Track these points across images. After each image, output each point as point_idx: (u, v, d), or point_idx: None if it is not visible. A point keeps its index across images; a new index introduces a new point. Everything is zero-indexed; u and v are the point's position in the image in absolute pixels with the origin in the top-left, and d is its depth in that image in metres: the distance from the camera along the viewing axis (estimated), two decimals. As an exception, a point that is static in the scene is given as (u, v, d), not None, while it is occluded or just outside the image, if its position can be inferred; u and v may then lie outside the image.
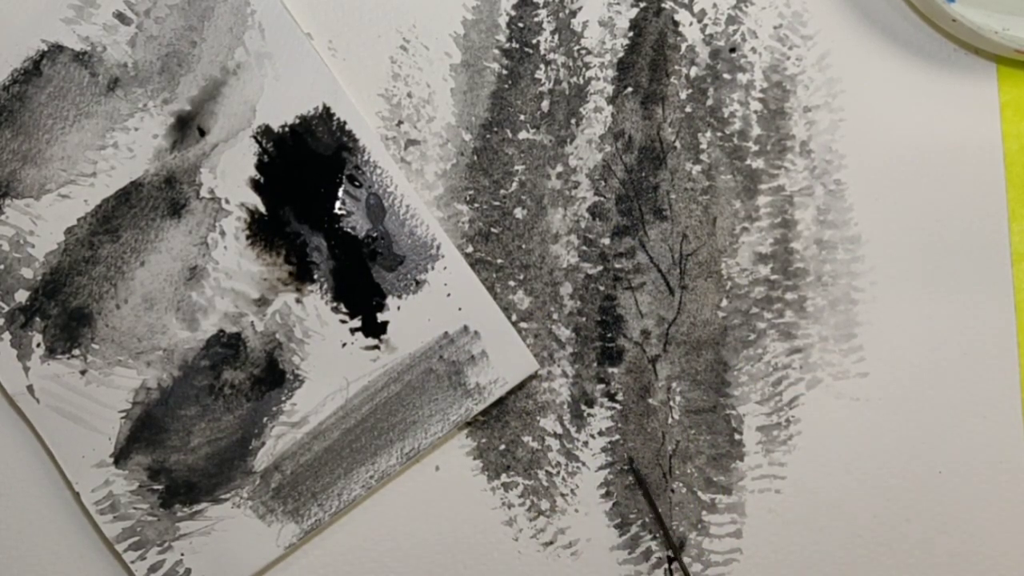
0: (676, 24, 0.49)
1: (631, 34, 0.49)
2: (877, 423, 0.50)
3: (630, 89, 0.49)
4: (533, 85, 0.49)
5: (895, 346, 0.50)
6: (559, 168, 0.49)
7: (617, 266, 0.50)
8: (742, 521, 0.50)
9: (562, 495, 0.50)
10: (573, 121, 0.49)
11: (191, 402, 0.48)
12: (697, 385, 0.50)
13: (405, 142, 0.49)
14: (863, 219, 0.50)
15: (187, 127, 0.48)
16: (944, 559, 0.50)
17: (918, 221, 0.50)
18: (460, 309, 0.48)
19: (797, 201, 0.50)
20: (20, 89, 0.47)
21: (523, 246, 0.49)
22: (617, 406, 0.50)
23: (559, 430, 0.50)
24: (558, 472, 0.50)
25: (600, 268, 0.50)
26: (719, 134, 0.50)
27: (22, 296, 0.48)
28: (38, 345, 0.48)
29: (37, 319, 0.48)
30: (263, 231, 0.48)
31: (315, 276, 0.48)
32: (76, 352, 0.48)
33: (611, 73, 0.49)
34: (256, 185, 0.48)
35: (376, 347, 0.48)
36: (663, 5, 0.49)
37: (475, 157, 0.49)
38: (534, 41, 0.49)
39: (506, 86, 0.49)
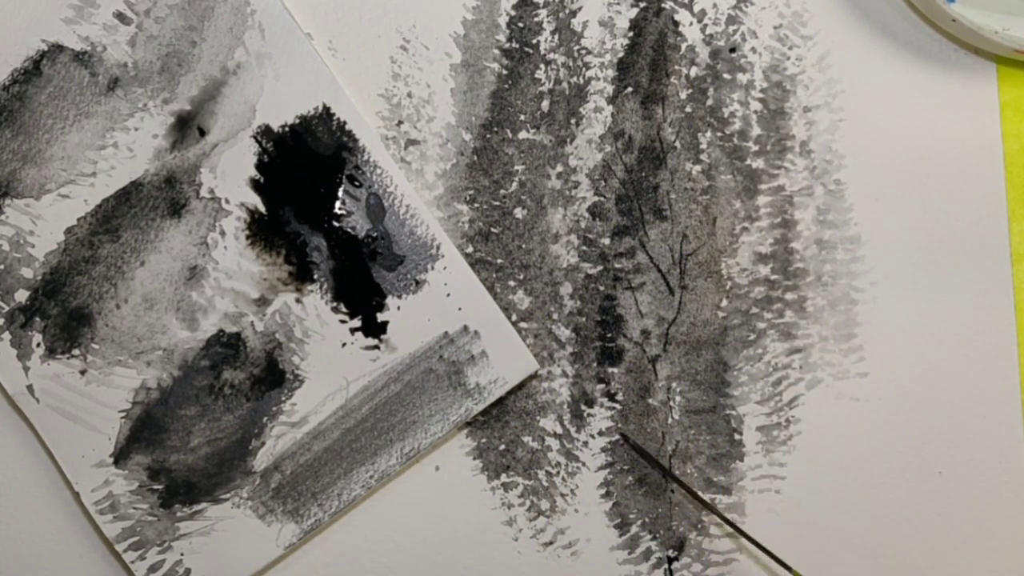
0: (676, 24, 0.49)
1: (631, 34, 0.49)
2: (877, 423, 0.50)
3: (630, 89, 0.49)
4: (533, 85, 0.49)
5: (895, 346, 0.50)
6: (559, 168, 0.49)
7: (617, 266, 0.50)
8: (742, 521, 0.50)
9: (562, 495, 0.50)
10: (573, 121, 0.49)
11: (191, 402, 0.48)
12: (697, 385, 0.50)
13: (405, 142, 0.49)
14: (863, 219, 0.50)
15: (187, 127, 0.48)
16: (944, 559, 0.50)
17: (918, 221, 0.50)
18: (460, 309, 0.48)
19: (797, 201, 0.50)
20: (20, 89, 0.47)
21: (523, 246, 0.49)
22: (617, 406, 0.50)
23: (559, 430, 0.50)
24: (558, 472, 0.50)
25: (600, 268, 0.50)
26: (719, 134, 0.50)
27: (22, 296, 0.48)
28: (38, 345, 0.48)
29: (37, 319, 0.48)
30: (263, 231, 0.48)
31: (315, 276, 0.48)
32: (76, 352, 0.48)
33: (611, 73, 0.49)
34: (256, 185, 0.48)
35: (376, 347, 0.48)
36: (663, 5, 0.49)
37: (475, 157, 0.49)
38: (534, 41, 0.49)
39: (506, 86, 0.49)
